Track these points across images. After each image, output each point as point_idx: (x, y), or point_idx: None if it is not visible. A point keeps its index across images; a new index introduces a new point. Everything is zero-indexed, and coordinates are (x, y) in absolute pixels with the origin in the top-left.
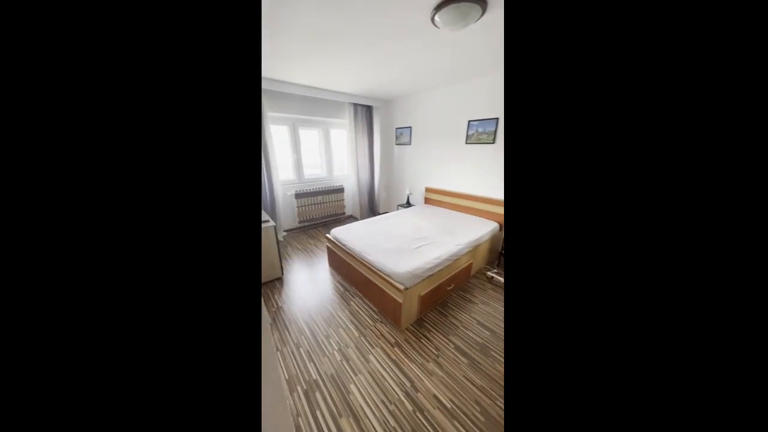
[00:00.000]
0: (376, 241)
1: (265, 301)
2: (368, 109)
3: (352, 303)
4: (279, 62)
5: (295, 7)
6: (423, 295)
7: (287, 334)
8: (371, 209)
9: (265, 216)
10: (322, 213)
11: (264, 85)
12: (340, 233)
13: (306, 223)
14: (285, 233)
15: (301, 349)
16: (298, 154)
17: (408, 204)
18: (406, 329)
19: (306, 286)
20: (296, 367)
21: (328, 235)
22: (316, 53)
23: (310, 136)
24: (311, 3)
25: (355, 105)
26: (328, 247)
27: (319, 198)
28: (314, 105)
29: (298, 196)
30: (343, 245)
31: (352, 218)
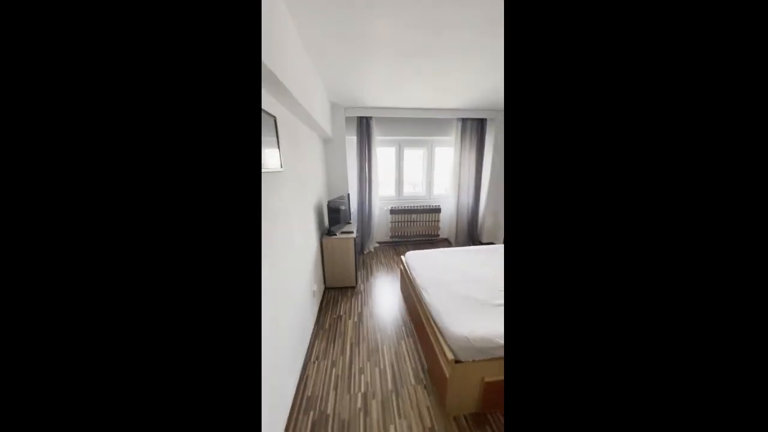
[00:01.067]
0: (448, 279)
1: (331, 306)
2: (479, 123)
3: (402, 343)
4: (383, 90)
5: (383, 32)
6: (490, 382)
7: (332, 347)
8: (470, 237)
9: (350, 227)
10: (415, 231)
11: (373, 114)
12: (414, 258)
13: (397, 239)
14: (377, 245)
15: (333, 371)
16: (400, 172)
17: None
18: (454, 418)
19: (370, 305)
20: (321, 387)
21: (402, 256)
22: (413, 73)
23: (415, 155)
24: (397, 25)
25: (464, 120)
26: (401, 270)
27: (413, 216)
28: (420, 125)
29: (392, 212)
30: (410, 272)
31: (446, 242)
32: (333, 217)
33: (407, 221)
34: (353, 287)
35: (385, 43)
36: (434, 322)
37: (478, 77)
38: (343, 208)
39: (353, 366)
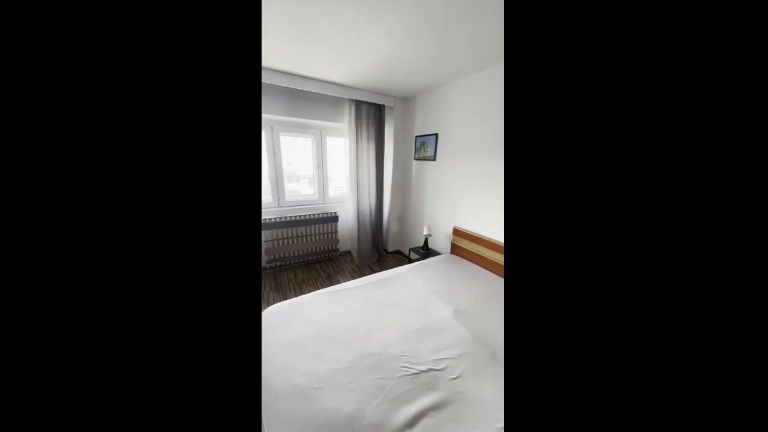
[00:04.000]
0: (294, 360)
1: None
2: (378, 109)
3: None
4: None
5: None
6: None
7: None
8: (375, 247)
9: None
10: (305, 250)
11: None
12: (275, 315)
13: (278, 263)
14: None
15: None
16: (278, 170)
17: (425, 250)
18: None
19: None
20: None
21: (266, 309)
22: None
23: (299, 145)
24: None
25: (358, 102)
26: None
27: (300, 230)
28: (301, 102)
29: (266, 226)
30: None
31: (349, 257)
32: None
33: (292, 237)
34: None
35: None
36: None
37: (377, 46)
38: None
39: None
